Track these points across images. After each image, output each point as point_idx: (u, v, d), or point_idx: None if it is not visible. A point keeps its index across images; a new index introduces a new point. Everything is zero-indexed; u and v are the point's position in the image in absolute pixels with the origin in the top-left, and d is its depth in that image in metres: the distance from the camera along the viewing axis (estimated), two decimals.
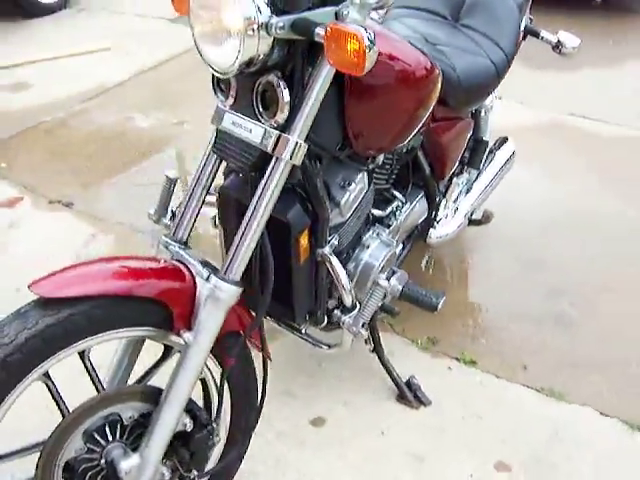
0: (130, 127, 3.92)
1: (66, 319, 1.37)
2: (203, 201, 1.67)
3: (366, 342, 2.24)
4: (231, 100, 1.58)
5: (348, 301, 1.86)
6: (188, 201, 1.66)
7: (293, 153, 1.48)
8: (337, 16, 1.43)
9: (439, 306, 1.98)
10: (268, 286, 1.58)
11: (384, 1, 1.47)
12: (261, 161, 1.52)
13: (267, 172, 1.50)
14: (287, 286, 1.79)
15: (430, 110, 1.87)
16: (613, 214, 3.19)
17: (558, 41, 2.50)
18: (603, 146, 3.77)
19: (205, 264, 1.56)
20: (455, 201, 2.52)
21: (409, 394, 2.26)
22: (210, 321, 1.51)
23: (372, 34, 1.30)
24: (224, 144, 1.59)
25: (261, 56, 1.42)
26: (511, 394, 2.31)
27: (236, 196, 1.72)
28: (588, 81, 4.45)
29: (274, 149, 1.49)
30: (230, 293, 1.51)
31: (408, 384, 2.28)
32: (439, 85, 1.86)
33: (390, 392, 2.29)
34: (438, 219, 2.44)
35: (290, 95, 1.48)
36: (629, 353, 2.46)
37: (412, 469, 2.07)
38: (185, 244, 1.66)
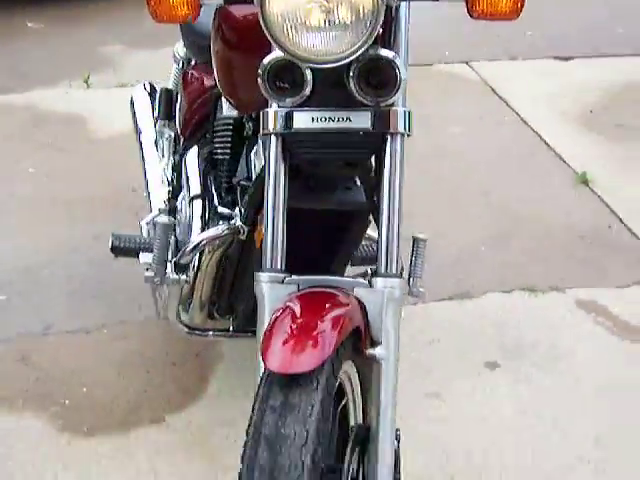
0: None
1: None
2: (287, 217, 1.47)
3: None
4: (302, 97, 1.41)
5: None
6: (273, 227, 1.44)
7: (406, 123, 1.42)
8: None
9: None
10: None
11: None
12: (379, 143, 1.42)
13: (387, 153, 1.42)
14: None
15: None
16: None
17: None
18: None
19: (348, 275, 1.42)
20: None
21: None
22: (394, 324, 1.41)
23: None
24: (305, 145, 1.43)
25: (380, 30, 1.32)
26: (440, 313, 2.53)
27: (307, 206, 1.53)
28: None
29: (388, 126, 1.41)
30: (402, 287, 1.42)
31: None
32: None
33: None
34: None
35: None
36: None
37: None
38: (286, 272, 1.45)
